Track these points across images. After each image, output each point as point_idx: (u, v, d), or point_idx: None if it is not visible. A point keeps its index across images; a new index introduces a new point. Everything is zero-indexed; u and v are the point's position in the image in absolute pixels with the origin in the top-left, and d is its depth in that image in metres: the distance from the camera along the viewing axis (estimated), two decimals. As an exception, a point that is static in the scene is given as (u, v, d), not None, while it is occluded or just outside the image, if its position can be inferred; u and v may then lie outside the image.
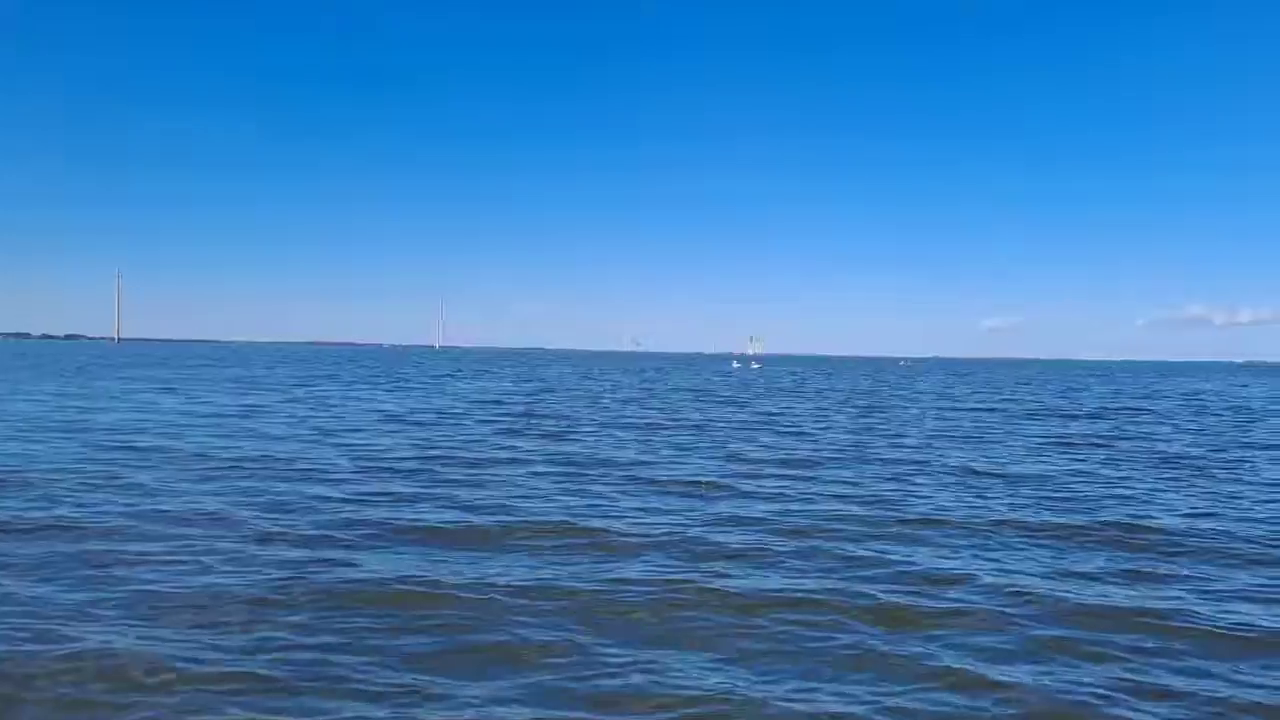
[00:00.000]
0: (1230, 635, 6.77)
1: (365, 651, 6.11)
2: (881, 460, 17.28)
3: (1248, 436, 24.37)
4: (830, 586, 7.87)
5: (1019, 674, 5.92)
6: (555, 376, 65.61)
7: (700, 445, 19.40)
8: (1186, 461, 18.01)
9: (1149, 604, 7.49)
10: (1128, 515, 11.60)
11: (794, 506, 11.85)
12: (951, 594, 7.75)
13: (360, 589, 7.45)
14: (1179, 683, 5.85)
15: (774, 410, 32.12)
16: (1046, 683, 5.78)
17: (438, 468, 14.77)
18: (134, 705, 5.22)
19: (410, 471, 14.26)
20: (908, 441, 21.25)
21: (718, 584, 7.79)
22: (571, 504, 11.73)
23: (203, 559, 8.34)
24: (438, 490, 12.51)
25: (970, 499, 12.83)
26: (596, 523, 10.42)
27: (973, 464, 16.82)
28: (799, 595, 7.54)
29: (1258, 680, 5.93)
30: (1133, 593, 7.92)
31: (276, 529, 9.69)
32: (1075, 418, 30.71)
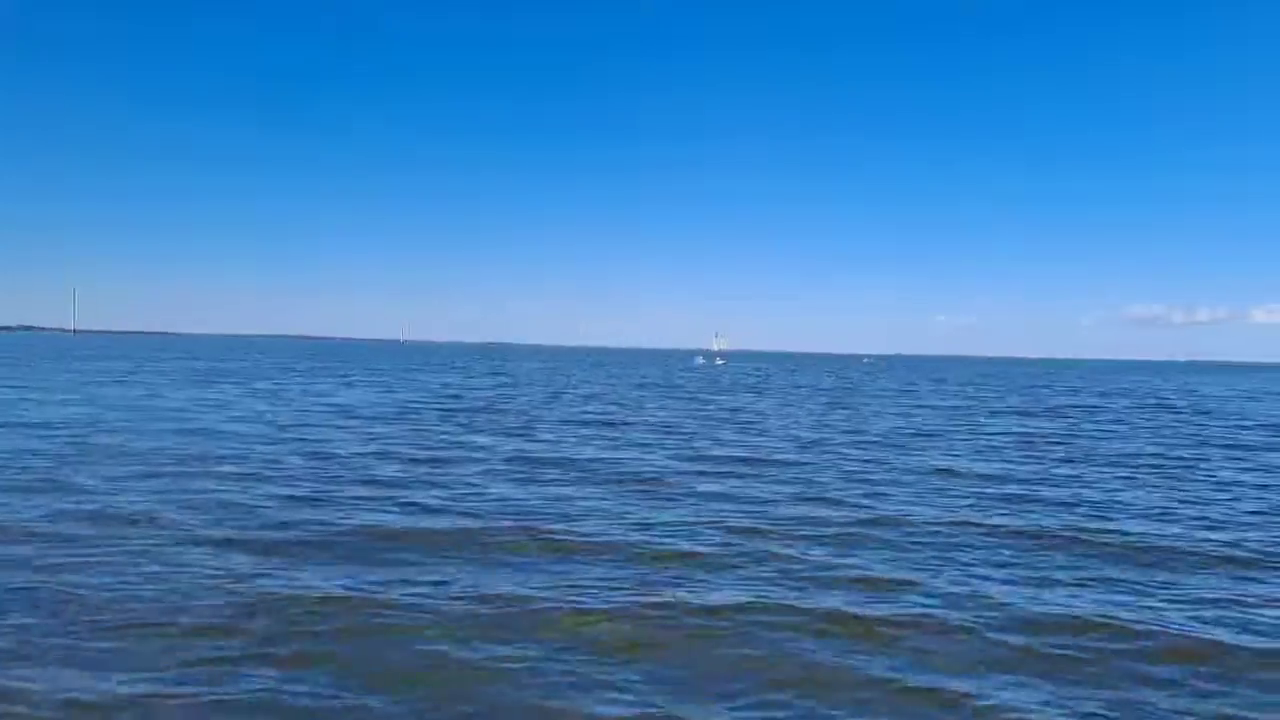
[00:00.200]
0: (1192, 641, 6.70)
1: (299, 668, 5.77)
2: (843, 458, 17.22)
3: (1204, 434, 24.87)
4: (786, 593, 7.68)
5: (979, 685, 5.77)
6: (523, 372, 65.01)
7: (664, 442, 19.19)
8: (1142, 460, 18.22)
9: (1110, 610, 7.42)
10: (1087, 516, 11.62)
11: (751, 508, 11.67)
12: (909, 598, 7.61)
13: (302, 600, 7.09)
14: (1143, 694, 5.75)
15: (736, 406, 32.05)
16: (1005, 695, 5.64)
17: (392, 466, 14.34)
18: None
19: (363, 469, 13.82)
20: (869, 439, 21.27)
21: (669, 594, 7.53)
22: (527, 504, 11.41)
23: (131, 568, 7.90)
24: (393, 491, 12.10)
25: (932, 498, 12.76)
26: (552, 525, 10.13)
27: (934, 462, 16.82)
28: (753, 602, 7.33)
29: (1221, 689, 5.85)
30: (1095, 599, 7.85)
31: (218, 533, 9.25)
32: (1034, 415, 31.09)
